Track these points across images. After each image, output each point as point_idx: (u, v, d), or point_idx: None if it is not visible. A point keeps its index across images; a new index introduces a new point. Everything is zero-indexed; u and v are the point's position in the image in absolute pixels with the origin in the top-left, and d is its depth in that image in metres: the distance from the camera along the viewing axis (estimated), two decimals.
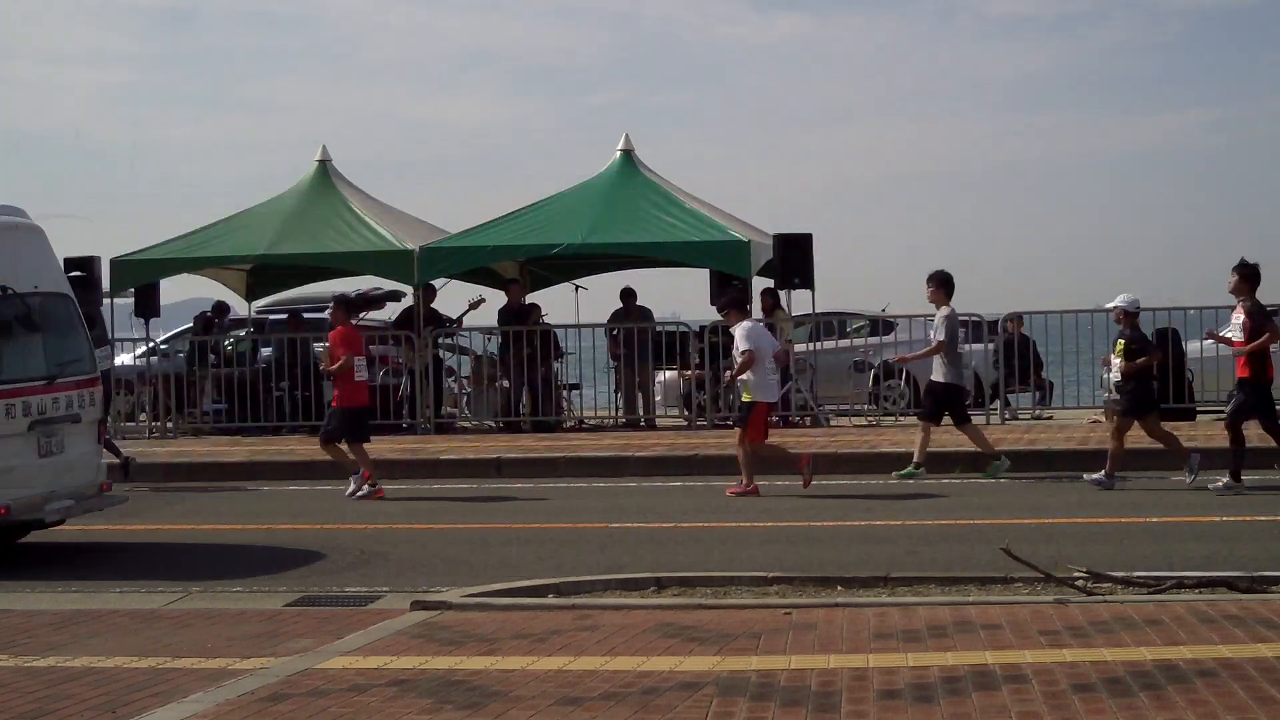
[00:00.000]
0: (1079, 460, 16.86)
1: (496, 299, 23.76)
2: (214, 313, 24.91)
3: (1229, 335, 15.09)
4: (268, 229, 23.17)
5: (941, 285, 16.73)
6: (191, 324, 24.52)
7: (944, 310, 16.55)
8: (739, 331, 15.62)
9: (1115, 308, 15.57)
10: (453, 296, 23.40)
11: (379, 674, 7.35)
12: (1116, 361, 15.57)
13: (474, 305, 22.55)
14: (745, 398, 15.50)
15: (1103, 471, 15.07)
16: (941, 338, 16.38)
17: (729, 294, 17.20)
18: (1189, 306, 21.50)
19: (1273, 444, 14.96)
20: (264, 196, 26.04)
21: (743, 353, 15.37)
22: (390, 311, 26.25)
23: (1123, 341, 15.35)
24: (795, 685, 6.86)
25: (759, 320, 16.41)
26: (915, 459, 16.14)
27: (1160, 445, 15.43)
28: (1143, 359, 15.27)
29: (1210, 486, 14.48)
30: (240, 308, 27.43)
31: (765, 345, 15.68)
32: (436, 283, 22.80)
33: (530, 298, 23.71)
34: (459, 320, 22.81)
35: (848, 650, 7.57)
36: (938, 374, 16.51)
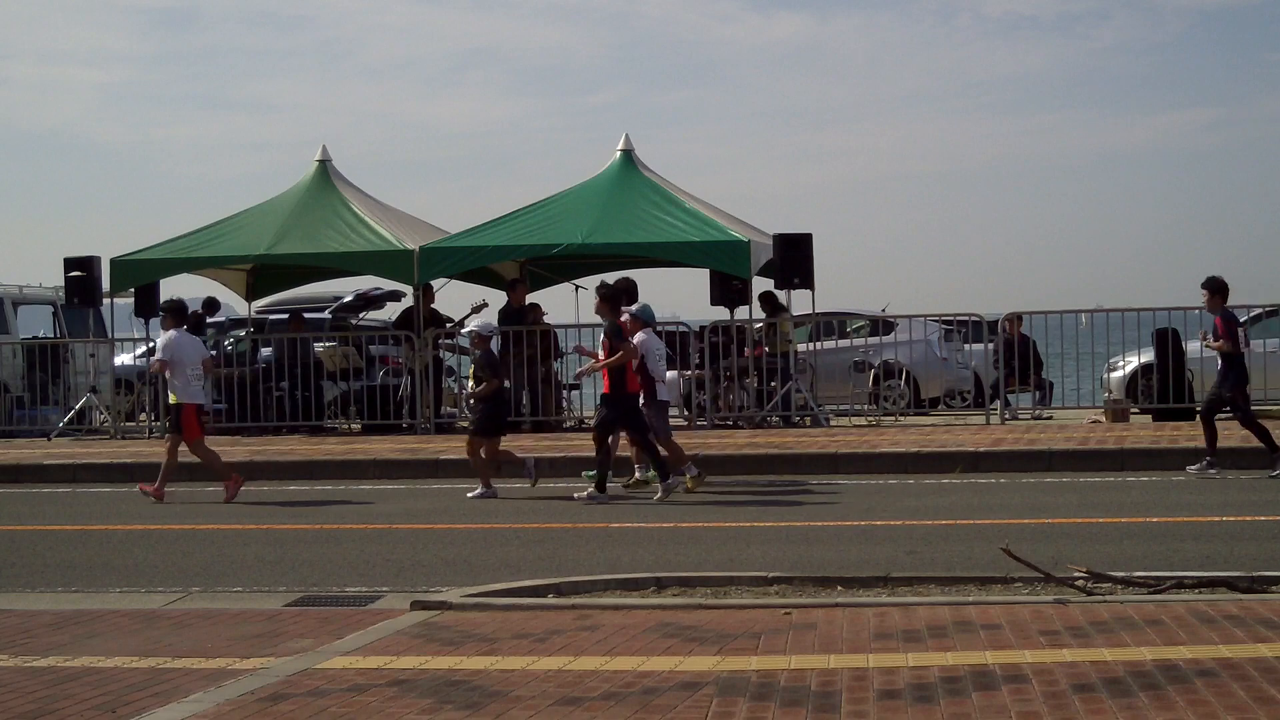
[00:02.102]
0: (1079, 460, 16.88)
1: (496, 299, 23.78)
2: (204, 309, 24.92)
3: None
4: (268, 229, 23.19)
5: (606, 300, 16.21)
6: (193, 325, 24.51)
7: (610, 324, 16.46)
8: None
9: (470, 332, 16.31)
10: (453, 296, 23.36)
11: (379, 674, 7.35)
12: (471, 385, 16.41)
13: (476, 309, 22.57)
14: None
15: (480, 489, 15.60)
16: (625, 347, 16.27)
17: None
18: (1189, 306, 21.51)
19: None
20: (264, 196, 26.08)
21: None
22: (390, 311, 26.28)
23: (473, 366, 16.15)
24: (795, 685, 6.86)
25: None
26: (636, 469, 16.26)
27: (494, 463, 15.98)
28: (486, 385, 15.92)
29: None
30: (240, 308, 27.47)
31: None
32: (436, 283, 22.81)
33: (530, 298, 23.72)
34: (460, 323, 22.83)
35: (848, 650, 7.57)
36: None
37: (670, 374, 23.51)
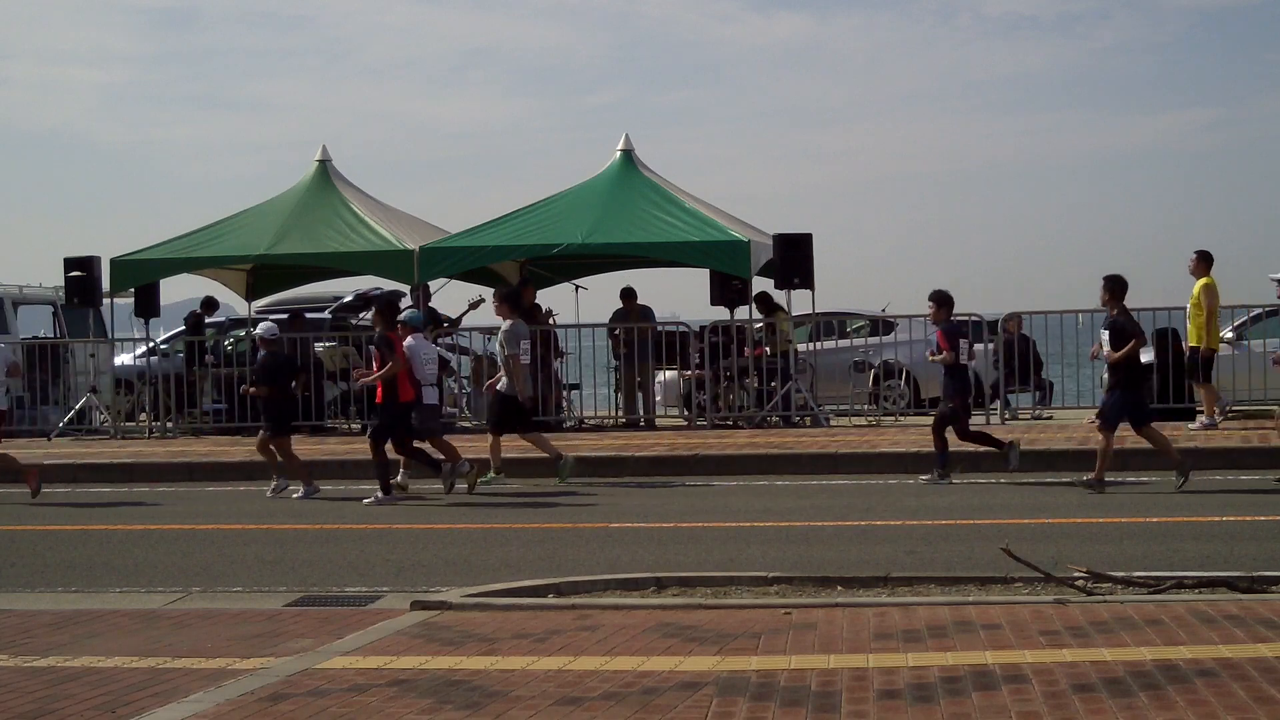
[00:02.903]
0: (1079, 460, 16.87)
1: (488, 294, 23.75)
2: (203, 308, 24.89)
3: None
4: (268, 229, 23.18)
5: (505, 300, 17.22)
6: (185, 325, 24.47)
7: (507, 324, 16.94)
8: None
9: (257, 335, 17.36)
10: (453, 296, 23.37)
11: (379, 674, 7.35)
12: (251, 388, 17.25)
13: (474, 305, 22.55)
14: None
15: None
16: (513, 351, 16.72)
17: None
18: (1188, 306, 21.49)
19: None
20: (264, 196, 26.07)
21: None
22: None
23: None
24: (795, 685, 6.86)
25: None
26: (495, 465, 16.64)
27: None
28: (259, 387, 16.57)
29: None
30: (240, 308, 27.45)
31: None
32: (435, 283, 22.81)
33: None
34: (457, 320, 22.82)
35: (848, 650, 7.57)
36: (503, 384, 16.83)
37: (670, 374, 23.61)
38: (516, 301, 17.36)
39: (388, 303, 16.91)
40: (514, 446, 18.09)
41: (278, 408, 16.54)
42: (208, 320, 24.98)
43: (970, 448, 16.12)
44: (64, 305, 24.93)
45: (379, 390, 15.97)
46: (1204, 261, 18.82)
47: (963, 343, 15.99)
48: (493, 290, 25.26)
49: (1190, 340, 18.77)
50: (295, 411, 17.51)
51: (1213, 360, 19.02)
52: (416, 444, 16.14)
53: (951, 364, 15.83)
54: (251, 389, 16.89)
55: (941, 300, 16.21)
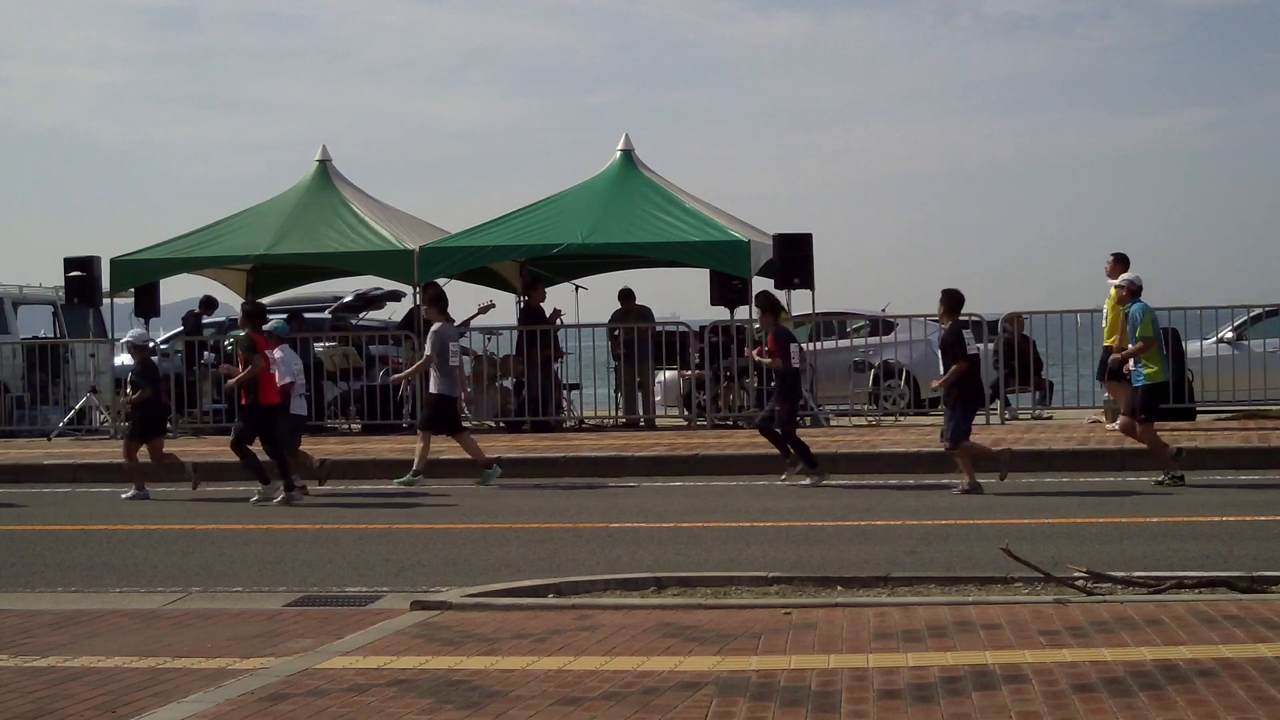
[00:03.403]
0: (1079, 460, 16.88)
1: (496, 296, 23.78)
2: (202, 307, 24.87)
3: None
4: (268, 229, 23.18)
5: (433, 302, 17.36)
6: (183, 325, 24.45)
7: (436, 326, 17.05)
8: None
9: (127, 341, 17.73)
10: (453, 297, 23.37)
11: (379, 674, 7.35)
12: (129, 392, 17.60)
13: (483, 309, 22.57)
14: None
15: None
16: (429, 352, 16.85)
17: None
18: (1189, 306, 21.53)
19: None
20: (264, 196, 26.07)
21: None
22: (390, 311, 26.27)
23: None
24: (795, 685, 6.86)
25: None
26: (415, 467, 16.69)
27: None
28: (141, 392, 16.71)
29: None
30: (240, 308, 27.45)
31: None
32: (440, 283, 22.79)
33: None
34: (466, 323, 22.83)
35: (848, 650, 7.57)
36: (432, 385, 16.93)
37: (670, 374, 23.61)
38: (443, 303, 17.52)
39: (254, 309, 17.20)
40: (515, 447, 18.13)
41: (148, 411, 16.71)
42: (206, 320, 24.98)
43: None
44: (64, 305, 24.93)
45: (241, 394, 16.28)
46: (1120, 264, 18.72)
47: (793, 347, 16.30)
48: (493, 292, 25.55)
49: (1105, 341, 18.73)
50: (165, 416, 17.89)
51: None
52: (257, 448, 16.27)
53: (782, 370, 16.00)
54: (133, 397, 16.93)
55: (766, 306, 16.57)
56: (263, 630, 8.70)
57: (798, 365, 16.28)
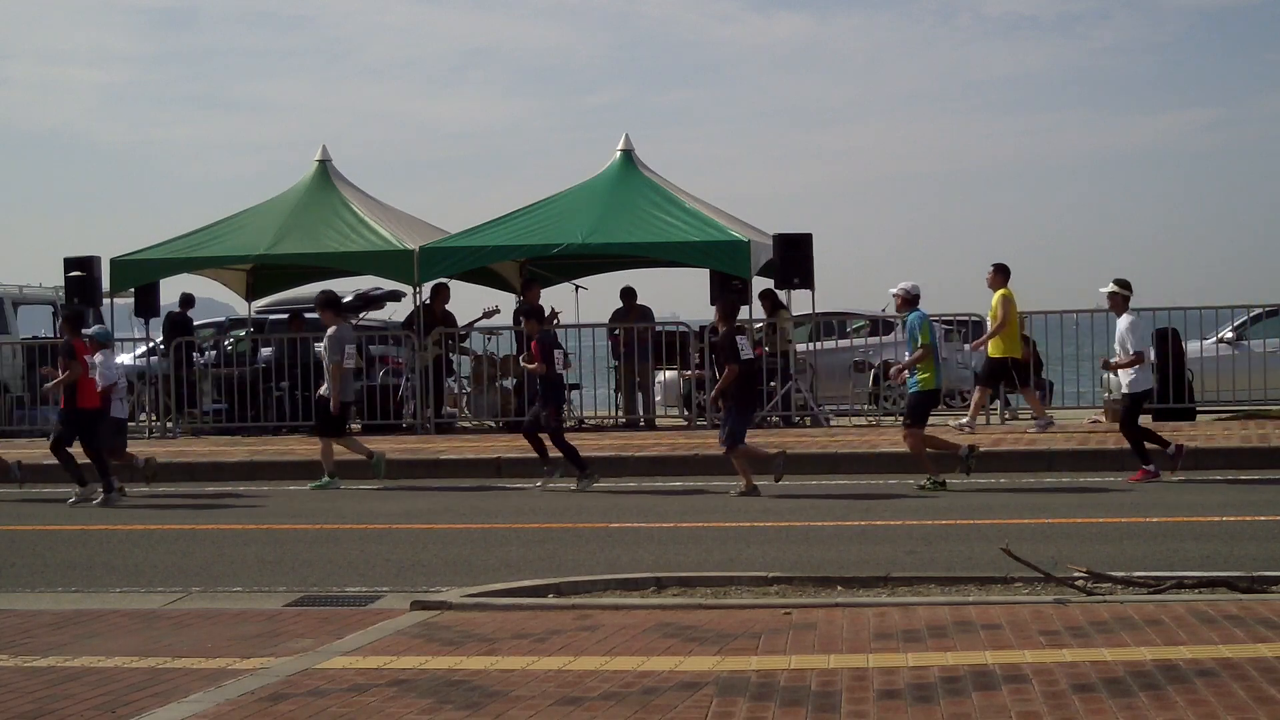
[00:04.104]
0: (1079, 460, 16.88)
1: (494, 299, 23.79)
2: (181, 305, 24.78)
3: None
4: (268, 229, 23.19)
5: (326, 306, 17.49)
6: (168, 326, 24.22)
7: (331, 329, 17.19)
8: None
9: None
10: (453, 297, 23.37)
11: (379, 674, 7.35)
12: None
13: (488, 314, 22.58)
14: None
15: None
16: (334, 358, 16.98)
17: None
18: (1189, 306, 21.54)
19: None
20: (264, 196, 26.06)
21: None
22: (390, 311, 26.28)
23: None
24: (795, 685, 6.86)
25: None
26: (328, 470, 16.92)
27: None
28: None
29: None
30: (240, 308, 27.46)
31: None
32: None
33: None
34: (469, 326, 22.84)
35: (848, 650, 7.57)
36: (324, 388, 17.14)
37: (670, 374, 23.62)
38: (338, 307, 17.70)
39: (73, 314, 17.28)
40: (515, 447, 18.12)
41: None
42: (202, 321, 24.94)
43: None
44: (64, 305, 24.92)
45: (62, 397, 16.50)
46: (1000, 274, 19.31)
47: (557, 354, 16.57)
48: (492, 292, 25.55)
49: (990, 351, 19.10)
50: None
51: (1013, 367, 19.41)
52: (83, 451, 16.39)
53: (545, 375, 16.27)
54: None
55: (528, 313, 16.99)
56: (263, 630, 8.70)
57: (562, 370, 16.73)
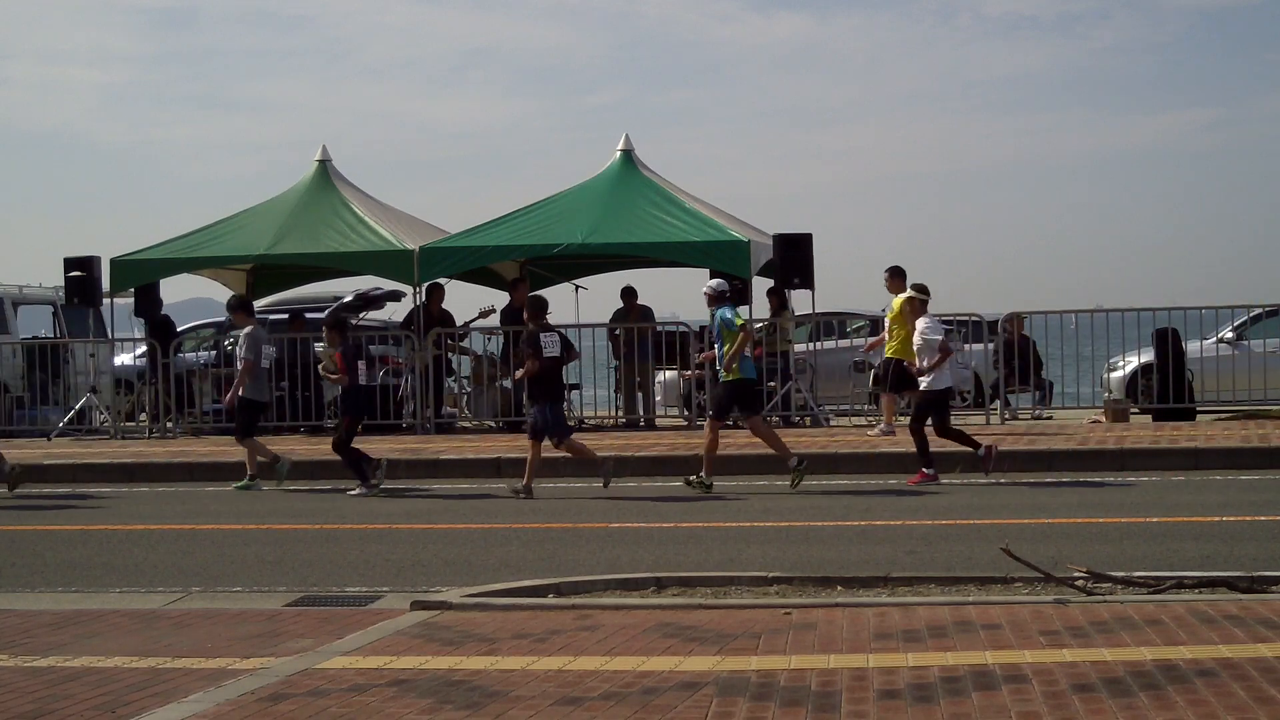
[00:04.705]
0: (1079, 460, 16.88)
1: (494, 299, 23.80)
2: (241, 307, 24.69)
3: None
4: (268, 229, 23.19)
5: (240, 309, 17.79)
6: (152, 328, 24.14)
7: (247, 329, 17.46)
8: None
9: None
10: (453, 297, 23.40)
11: (379, 674, 7.35)
12: None
13: (484, 314, 22.59)
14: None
15: None
16: (247, 355, 17.19)
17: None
18: (1189, 306, 21.54)
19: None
20: (264, 196, 26.06)
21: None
22: (390, 311, 26.29)
23: None
24: (795, 685, 6.86)
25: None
26: (250, 471, 17.06)
27: None
28: None
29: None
30: None
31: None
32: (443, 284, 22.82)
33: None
34: (466, 326, 22.83)
35: (848, 650, 7.57)
36: (243, 390, 17.26)
37: (670, 374, 23.61)
38: (250, 309, 18.04)
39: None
40: (515, 447, 18.12)
41: None
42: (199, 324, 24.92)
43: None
44: (64, 305, 24.92)
45: None
46: (897, 277, 19.39)
47: (361, 365, 16.84)
48: (492, 292, 25.54)
49: (887, 352, 19.12)
50: None
51: (904, 372, 19.35)
52: None
53: (348, 385, 16.59)
54: None
55: (334, 324, 17.10)
56: (263, 630, 8.70)
57: (364, 382, 16.91)
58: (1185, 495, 14.41)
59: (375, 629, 8.55)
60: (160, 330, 23.59)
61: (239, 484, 17.05)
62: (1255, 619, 7.98)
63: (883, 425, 19.28)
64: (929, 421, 15.80)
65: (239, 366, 17.36)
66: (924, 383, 15.93)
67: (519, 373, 16.38)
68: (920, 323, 16.03)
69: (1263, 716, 6.09)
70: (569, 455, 16.06)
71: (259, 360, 17.24)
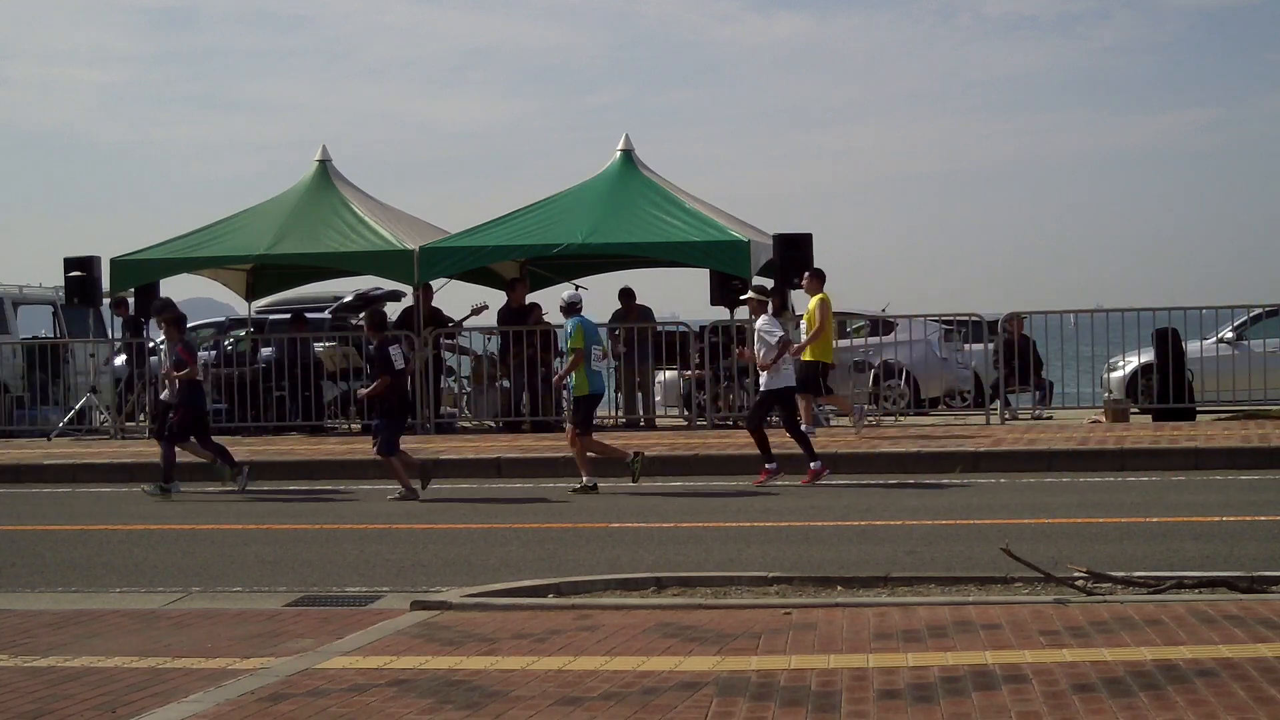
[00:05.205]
0: (1079, 460, 16.88)
1: (496, 299, 23.77)
2: (119, 306, 24.57)
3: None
4: (268, 229, 23.18)
5: (171, 323, 17.47)
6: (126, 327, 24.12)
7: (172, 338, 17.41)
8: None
9: None
10: (453, 297, 23.40)
11: (379, 674, 7.35)
12: None
13: (476, 311, 22.57)
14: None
15: None
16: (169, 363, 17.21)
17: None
18: (1189, 306, 21.54)
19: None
20: (264, 196, 26.05)
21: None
22: (390, 311, 26.27)
23: None
24: (795, 685, 6.86)
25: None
26: (166, 477, 16.88)
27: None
28: None
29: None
30: (240, 308, 27.47)
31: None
32: (436, 283, 22.81)
33: (530, 298, 23.70)
34: (459, 323, 22.83)
35: (848, 650, 7.57)
36: (165, 395, 17.37)
37: (670, 374, 23.61)
38: (183, 325, 18.06)
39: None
40: (515, 447, 18.11)
41: None
42: (196, 324, 24.93)
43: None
44: (64, 305, 24.92)
45: None
46: (817, 279, 19.62)
47: (202, 355, 17.11)
48: (491, 292, 25.53)
49: (804, 356, 19.20)
50: None
51: (826, 373, 19.63)
52: None
53: (189, 379, 16.75)
54: None
55: (171, 320, 17.21)
56: (263, 630, 8.70)
57: (200, 377, 17.07)
58: (1185, 495, 14.41)
59: (375, 629, 8.55)
60: (135, 327, 23.59)
61: (147, 487, 16.81)
62: (1255, 619, 7.98)
63: (805, 427, 19.29)
64: (776, 419, 16.17)
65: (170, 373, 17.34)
66: (764, 381, 16.12)
67: (363, 392, 16.81)
68: (759, 321, 16.19)
69: (1263, 716, 6.09)
70: (393, 466, 16.02)
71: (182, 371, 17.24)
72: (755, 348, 16.18)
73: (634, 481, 15.82)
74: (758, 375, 21.79)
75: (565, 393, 18.13)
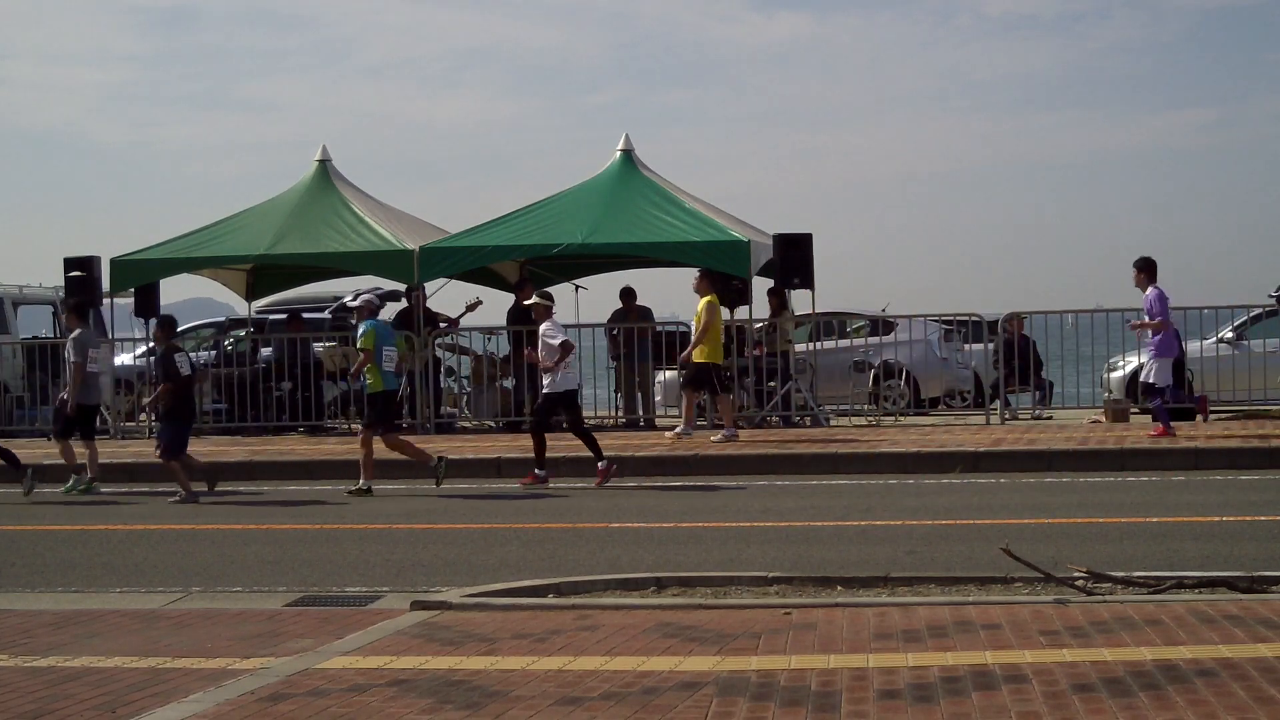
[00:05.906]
0: (1079, 460, 16.88)
1: (495, 299, 23.79)
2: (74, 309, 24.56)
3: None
4: (268, 229, 23.19)
5: (73, 310, 17.92)
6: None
7: (75, 332, 17.56)
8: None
9: None
10: (453, 297, 23.41)
11: (379, 674, 7.35)
12: None
13: (471, 307, 22.57)
14: None
15: None
16: (76, 359, 17.27)
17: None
18: (1189, 306, 21.54)
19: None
20: (264, 196, 26.05)
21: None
22: (391, 312, 26.30)
23: None
24: (795, 685, 6.86)
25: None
26: (90, 474, 17.10)
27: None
28: None
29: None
30: (240, 308, 27.48)
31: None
32: (436, 283, 22.82)
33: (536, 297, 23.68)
34: (455, 321, 22.83)
35: (848, 650, 7.57)
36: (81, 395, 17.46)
37: (670, 374, 23.61)
38: (84, 312, 18.36)
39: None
40: (515, 447, 18.11)
41: None
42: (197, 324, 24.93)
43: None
44: (63, 301, 24.90)
45: None
46: (705, 279, 19.94)
47: (91, 353, 17.31)
48: (490, 291, 25.54)
49: (695, 357, 19.43)
50: None
51: (713, 373, 19.69)
52: None
53: (82, 379, 17.14)
54: None
55: (72, 307, 17.65)
56: (263, 630, 8.70)
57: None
58: (1185, 495, 14.40)
59: (375, 629, 8.55)
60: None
61: (66, 486, 16.96)
62: (1255, 619, 7.98)
63: (724, 431, 19.41)
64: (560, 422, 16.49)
65: (69, 371, 17.45)
66: (546, 384, 16.33)
67: (146, 402, 17.10)
68: (542, 326, 16.43)
69: (1263, 716, 6.09)
70: (175, 470, 16.29)
71: (85, 364, 17.32)
72: (539, 351, 16.35)
73: (437, 485, 16.09)
74: (758, 375, 22.05)
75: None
